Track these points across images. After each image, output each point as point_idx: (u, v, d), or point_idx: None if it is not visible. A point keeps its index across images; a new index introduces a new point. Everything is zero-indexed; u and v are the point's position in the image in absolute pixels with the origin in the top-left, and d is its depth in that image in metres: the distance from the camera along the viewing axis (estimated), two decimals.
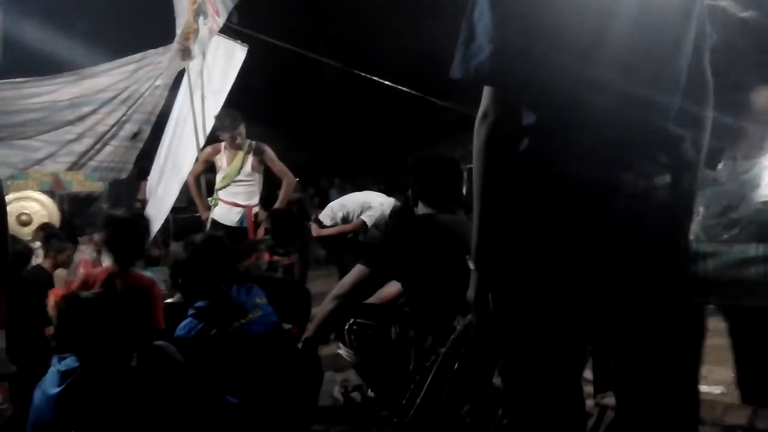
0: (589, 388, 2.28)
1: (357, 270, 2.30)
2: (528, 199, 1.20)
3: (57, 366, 1.85)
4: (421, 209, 2.45)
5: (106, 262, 3.48)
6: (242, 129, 4.30)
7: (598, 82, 1.15)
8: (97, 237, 4.35)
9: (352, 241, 5.16)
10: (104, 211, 5.24)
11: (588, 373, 2.44)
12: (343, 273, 5.00)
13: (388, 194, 5.35)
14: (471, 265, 1.28)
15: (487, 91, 1.18)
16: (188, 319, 2.25)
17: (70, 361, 1.86)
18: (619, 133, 1.17)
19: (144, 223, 2.81)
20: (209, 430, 2.07)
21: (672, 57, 1.21)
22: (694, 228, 1.48)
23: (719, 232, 1.52)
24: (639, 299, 1.20)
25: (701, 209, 1.53)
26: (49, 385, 1.82)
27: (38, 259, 3.62)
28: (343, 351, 2.47)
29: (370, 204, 4.97)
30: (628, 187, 1.16)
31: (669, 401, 1.25)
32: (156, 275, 4.09)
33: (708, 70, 1.29)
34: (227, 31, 5.14)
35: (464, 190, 2.65)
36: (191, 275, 2.35)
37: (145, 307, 2.52)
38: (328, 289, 4.30)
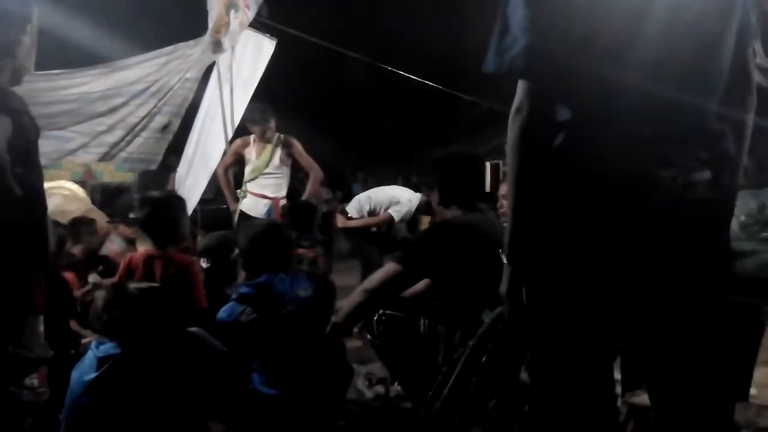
0: (617, 387, 2.27)
1: (388, 267, 2.31)
2: (563, 193, 1.19)
3: (95, 351, 1.89)
4: (450, 210, 2.43)
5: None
6: (272, 123, 4.34)
7: (634, 76, 1.14)
8: (123, 227, 4.42)
9: (377, 235, 5.17)
10: (135, 200, 5.31)
11: (615, 372, 2.43)
12: (366, 266, 5.02)
13: (416, 190, 5.35)
14: (504, 259, 1.28)
15: (521, 84, 1.18)
16: (231, 303, 2.32)
17: (109, 347, 1.89)
18: (657, 128, 1.16)
19: (179, 203, 2.78)
20: (244, 418, 2.11)
21: (713, 50, 1.19)
22: (733, 226, 1.46)
23: (758, 231, 1.50)
24: (676, 296, 1.19)
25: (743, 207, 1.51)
26: (87, 370, 1.86)
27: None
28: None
29: (398, 199, 4.98)
30: (665, 182, 1.15)
31: (702, 401, 1.23)
32: None
33: (752, 64, 1.26)
34: (256, 24, 5.17)
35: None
36: (246, 259, 2.42)
37: (185, 287, 2.52)
38: (352, 282, 4.34)
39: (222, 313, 2.30)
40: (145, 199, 2.74)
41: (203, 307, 2.51)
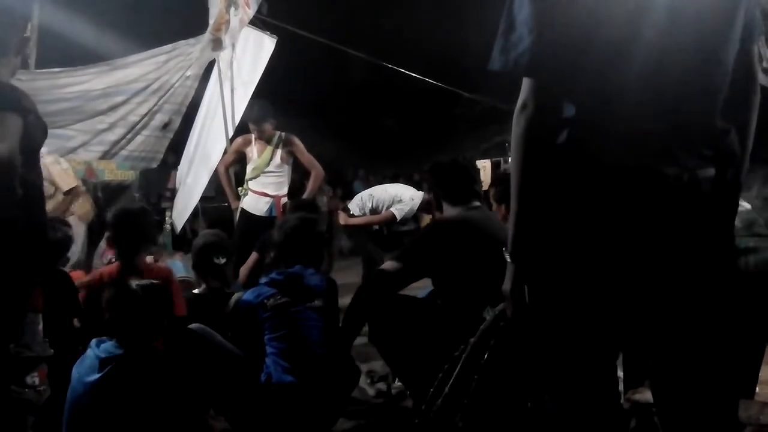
0: (619, 385, 2.26)
1: (387, 264, 2.38)
2: (567, 191, 1.19)
3: (96, 351, 1.88)
4: (447, 209, 2.55)
5: None
6: (273, 121, 4.34)
7: (639, 73, 1.13)
8: None
9: (378, 233, 5.16)
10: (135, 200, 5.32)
11: (618, 370, 2.42)
12: (367, 264, 5.02)
13: (418, 188, 5.34)
14: (507, 258, 1.27)
15: (526, 82, 1.17)
16: (259, 286, 2.37)
17: (109, 346, 1.89)
18: (661, 125, 1.15)
19: (142, 213, 2.78)
20: (253, 411, 2.10)
21: (717, 47, 1.18)
22: (736, 222, 1.45)
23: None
24: (681, 293, 1.18)
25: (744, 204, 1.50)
26: (88, 370, 1.86)
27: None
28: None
29: (401, 197, 4.97)
30: (669, 179, 1.14)
31: (706, 398, 1.23)
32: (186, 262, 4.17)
33: (756, 61, 1.26)
34: (256, 22, 5.17)
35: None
36: (280, 251, 2.47)
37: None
38: (353, 280, 4.33)
39: (248, 294, 2.34)
40: (112, 215, 2.74)
41: (183, 314, 2.50)
